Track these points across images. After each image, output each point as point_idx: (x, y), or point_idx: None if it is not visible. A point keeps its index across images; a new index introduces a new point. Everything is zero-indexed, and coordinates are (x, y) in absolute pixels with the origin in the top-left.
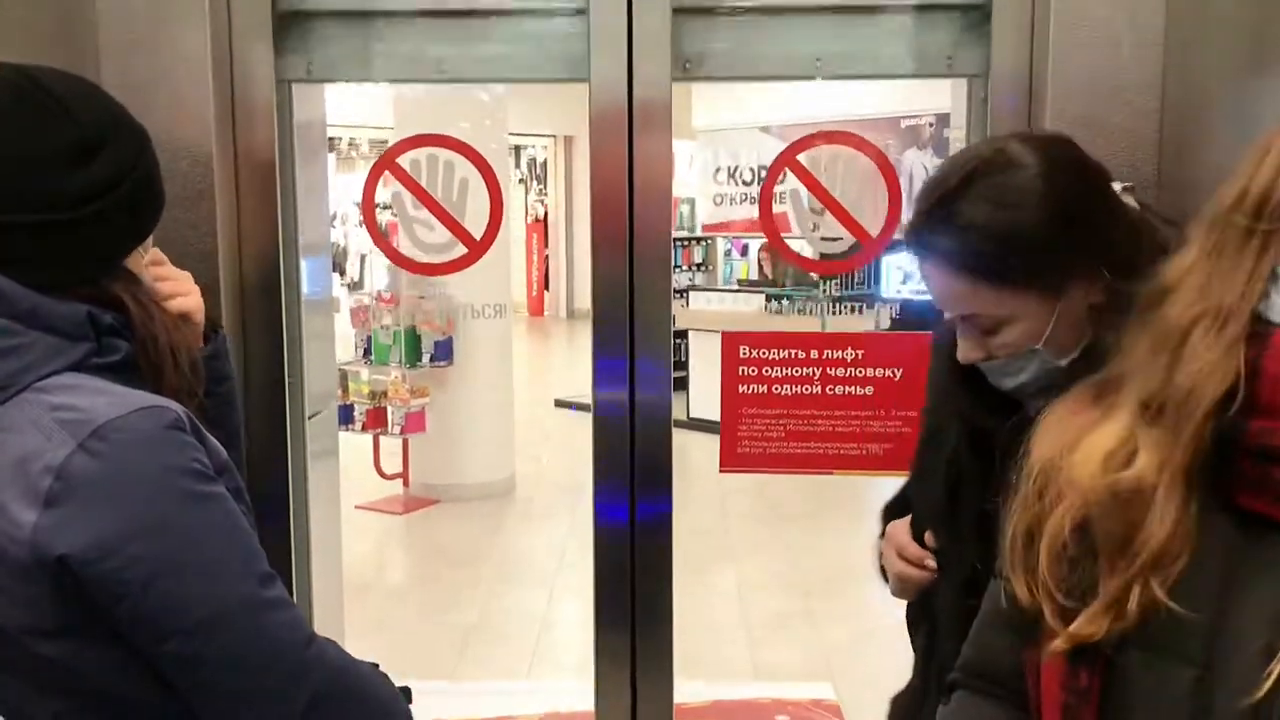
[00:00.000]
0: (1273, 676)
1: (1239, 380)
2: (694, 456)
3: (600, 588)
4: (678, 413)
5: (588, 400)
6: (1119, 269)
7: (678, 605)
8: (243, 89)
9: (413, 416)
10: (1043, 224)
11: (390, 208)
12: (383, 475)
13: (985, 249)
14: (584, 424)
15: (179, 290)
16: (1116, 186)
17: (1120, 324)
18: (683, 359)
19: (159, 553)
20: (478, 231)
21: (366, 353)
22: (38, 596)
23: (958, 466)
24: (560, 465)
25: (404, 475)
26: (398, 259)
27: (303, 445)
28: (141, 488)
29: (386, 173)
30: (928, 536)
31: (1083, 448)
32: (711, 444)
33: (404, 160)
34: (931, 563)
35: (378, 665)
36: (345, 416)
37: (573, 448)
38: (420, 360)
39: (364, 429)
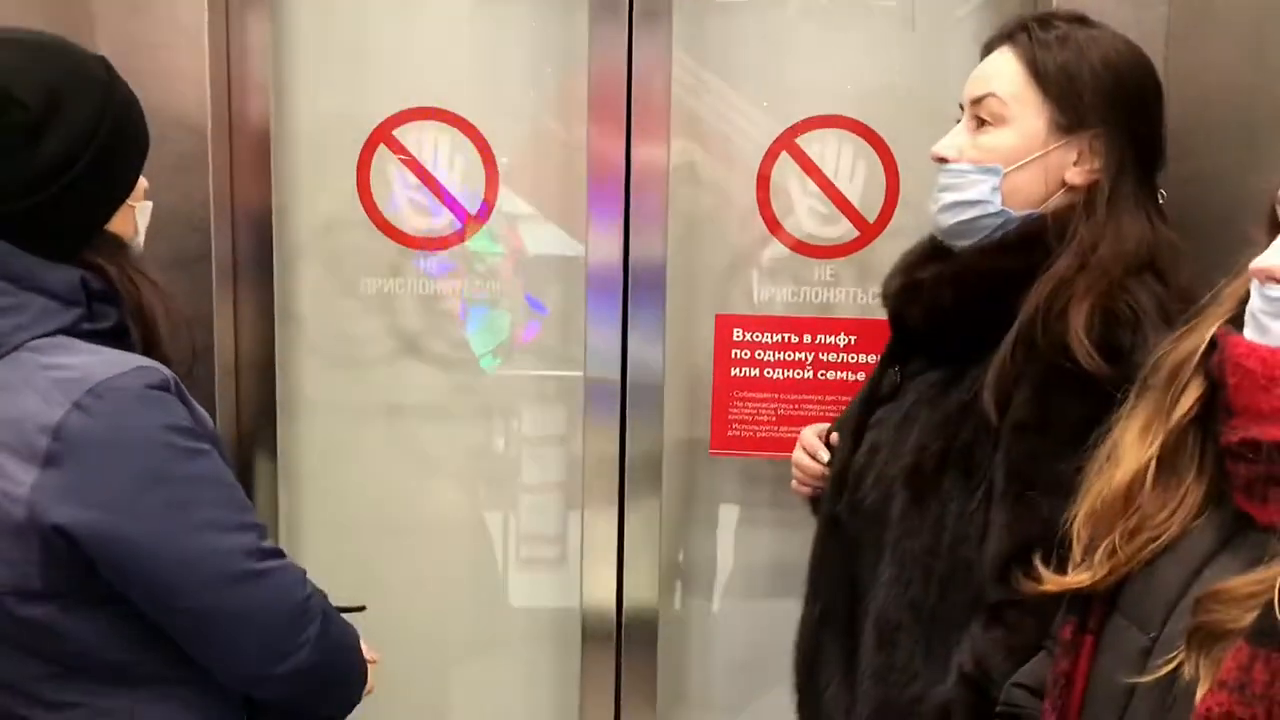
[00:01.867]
0: (1171, 664)
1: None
2: None
3: None
4: None
5: None
6: (1126, 187)
7: None
8: (238, 55)
9: None
10: (1113, 73)
11: None
12: None
13: (1057, 47)
14: None
15: None
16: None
17: (1066, 237)
18: None
19: (160, 509)
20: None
21: None
22: (27, 557)
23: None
24: None
25: None
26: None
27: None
28: (137, 445)
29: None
30: (833, 436)
31: (1130, 423)
32: None
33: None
34: (824, 455)
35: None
36: None
37: None
38: None
39: None
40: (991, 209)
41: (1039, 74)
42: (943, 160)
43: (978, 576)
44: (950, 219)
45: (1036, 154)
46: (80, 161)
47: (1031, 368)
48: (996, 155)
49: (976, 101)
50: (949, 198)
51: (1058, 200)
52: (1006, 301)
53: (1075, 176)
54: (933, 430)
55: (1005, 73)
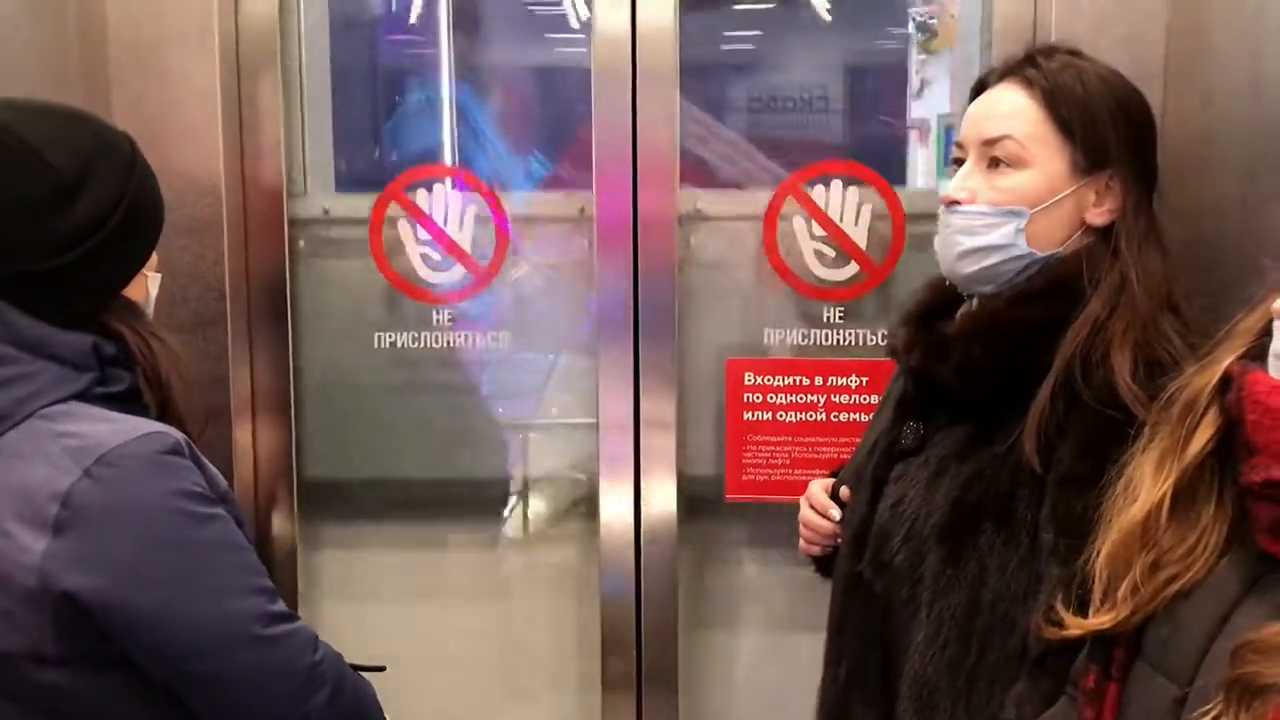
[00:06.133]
0: (1207, 717)
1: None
2: None
3: None
4: None
5: None
6: (1143, 224)
7: None
8: (251, 119)
9: None
10: (1124, 113)
11: None
12: None
13: (1072, 86)
14: None
15: None
16: None
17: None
18: None
19: (169, 575)
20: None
21: None
22: (40, 624)
23: (883, 424)
24: None
25: None
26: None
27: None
28: (146, 512)
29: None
30: (843, 491)
31: (1145, 458)
32: None
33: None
34: (835, 513)
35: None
36: None
37: None
38: None
39: None
40: (1017, 252)
41: (1059, 115)
42: (954, 203)
43: (1022, 632)
44: (970, 266)
45: (1059, 196)
46: (105, 227)
47: (1076, 418)
48: (1017, 198)
49: (990, 142)
50: (968, 242)
51: (1076, 242)
52: (1040, 351)
53: (1096, 217)
54: (966, 484)
55: (1022, 113)
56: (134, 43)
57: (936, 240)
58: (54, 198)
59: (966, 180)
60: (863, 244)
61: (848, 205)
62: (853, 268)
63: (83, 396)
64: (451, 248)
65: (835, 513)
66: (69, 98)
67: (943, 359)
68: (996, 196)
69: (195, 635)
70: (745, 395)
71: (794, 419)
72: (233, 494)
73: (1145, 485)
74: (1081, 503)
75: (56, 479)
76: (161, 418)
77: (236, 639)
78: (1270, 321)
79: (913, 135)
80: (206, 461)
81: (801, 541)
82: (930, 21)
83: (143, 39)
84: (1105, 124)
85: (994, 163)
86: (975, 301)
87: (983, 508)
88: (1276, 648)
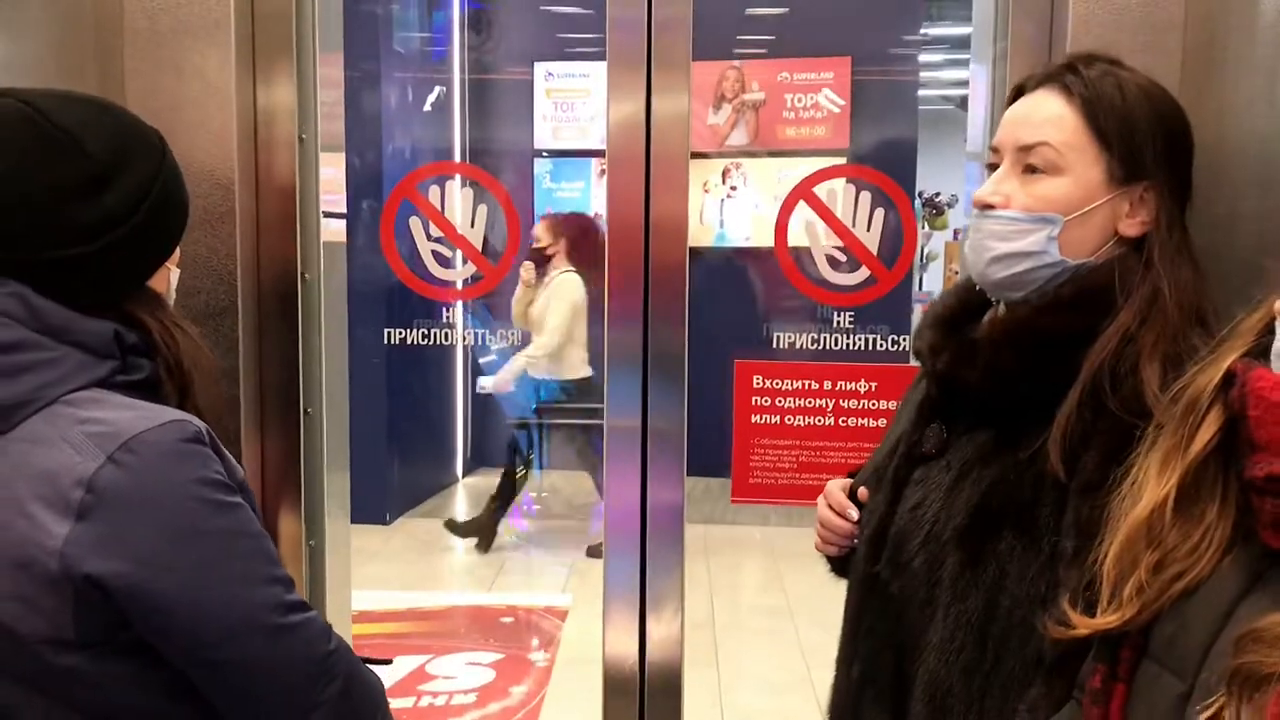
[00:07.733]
0: (1210, 710)
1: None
2: None
3: None
4: None
5: None
6: (1176, 236)
7: None
8: (265, 113)
9: None
10: (1163, 125)
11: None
12: None
13: (1112, 95)
14: None
15: None
16: None
17: (1124, 286)
18: None
19: (190, 562)
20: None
21: None
22: (60, 608)
23: (905, 426)
24: None
25: None
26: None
27: (319, 471)
28: (169, 499)
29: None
30: (861, 491)
31: (1150, 457)
32: None
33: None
34: (853, 513)
35: (351, 649)
36: None
37: None
38: None
39: None
40: (1049, 259)
41: (1097, 124)
42: (988, 207)
43: (1039, 638)
44: (1002, 271)
45: (1094, 205)
46: (134, 217)
47: (1101, 427)
48: (1052, 205)
49: (1026, 148)
50: (1001, 248)
51: (1108, 251)
52: (1068, 360)
53: (1129, 228)
54: (989, 489)
55: (1060, 120)
56: (149, 35)
57: (966, 244)
58: (86, 185)
59: (1001, 185)
60: (873, 249)
61: (860, 209)
62: (863, 272)
63: (104, 384)
64: (462, 244)
65: (853, 513)
66: (83, 89)
67: (970, 363)
68: (1030, 203)
69: (213, 622)
70: (754, 398)
71: (802, 423)
72: (248, 483)
73: (1150, 484)
74: (1103, 512)
75: (81, 464)
76: (180, 407)
77: (254, 627)
78: (1272, 320)
79: (918, 309)
80: (226, 451)
81: (818, 540)
82: (936, 198)
83: (158, 31)
84: (1143, 135)
85: (1029, 169)
86: (1002, 307)
87: (1004, 513)
88: (1276, 638)
